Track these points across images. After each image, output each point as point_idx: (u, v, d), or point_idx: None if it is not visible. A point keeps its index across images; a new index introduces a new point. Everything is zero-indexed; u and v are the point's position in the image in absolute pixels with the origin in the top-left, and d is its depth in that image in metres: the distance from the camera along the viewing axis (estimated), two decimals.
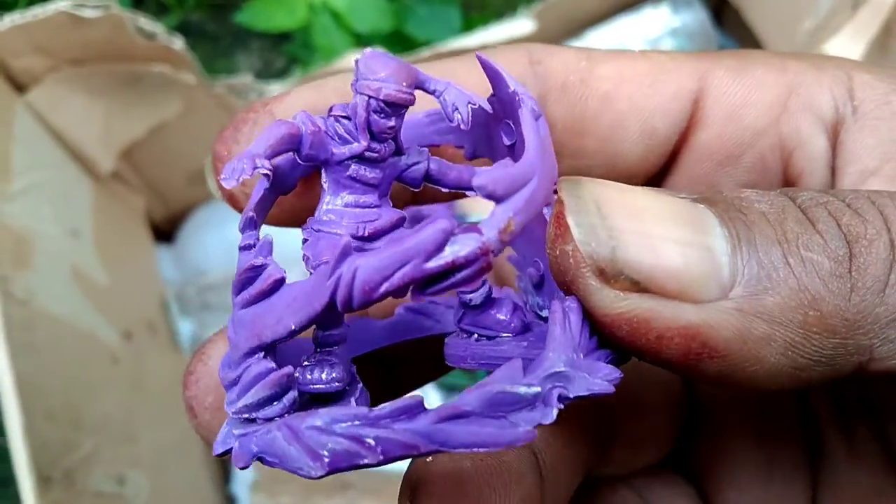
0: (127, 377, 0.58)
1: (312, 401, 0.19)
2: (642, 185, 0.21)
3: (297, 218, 0.22)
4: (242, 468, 0.18)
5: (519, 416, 0.16)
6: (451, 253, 0.16)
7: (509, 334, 0.20)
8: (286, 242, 0.83)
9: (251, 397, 0.18)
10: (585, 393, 0.17)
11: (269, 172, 0.18)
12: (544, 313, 0.21)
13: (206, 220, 0.72)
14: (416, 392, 0.17)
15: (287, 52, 0.89)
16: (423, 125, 0.22)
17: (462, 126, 0.19)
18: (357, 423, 0.16)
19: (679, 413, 0.26)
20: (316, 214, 0.20)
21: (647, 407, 0.26)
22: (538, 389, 0.16)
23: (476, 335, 0.21)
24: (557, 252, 0.17)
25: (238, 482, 0.64)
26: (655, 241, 0.17)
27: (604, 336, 0.18)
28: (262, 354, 0.18)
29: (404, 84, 0.19)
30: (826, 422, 0.25)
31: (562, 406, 0.17)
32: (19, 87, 0.59)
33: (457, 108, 0.19)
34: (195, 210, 0.74)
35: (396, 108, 0.19)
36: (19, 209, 0.53)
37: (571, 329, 0.18)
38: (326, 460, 0.16)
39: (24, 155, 0.56)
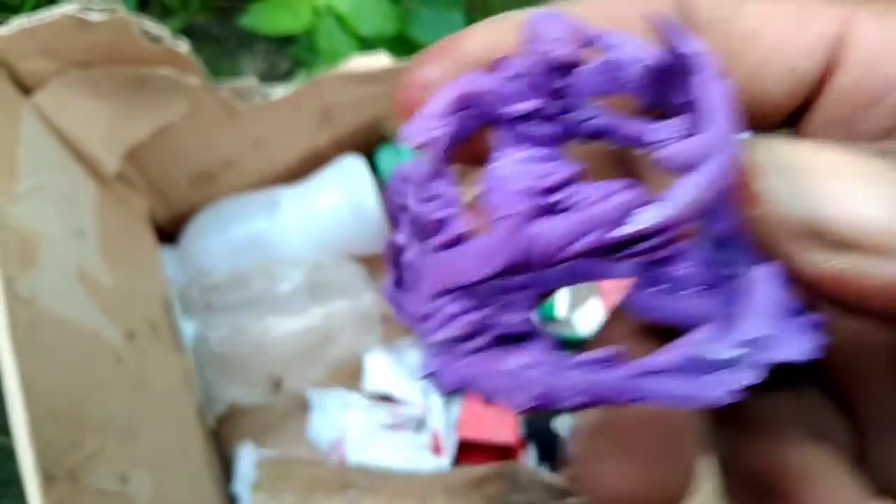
0: (130, 377, 0.58)
1: (500, 342, 0.19)
2: (782, 122, 0.21)
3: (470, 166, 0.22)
4: (449, 393, 0.18)
5: (714, 377, 0.16)
6: (632, 225, 0.16)
7: (697, 288, 0.20)
8: (284, 240, 0.83)
9: (448, 332, 0.18)
10: (785, 359, 0.17)
11: (449, 132, 0.18)
12: (729, 271, 0.21)
13: (209, 222, 0.73)
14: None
15: (291, 55, 0.89)
16: (596, 75, 0.22)
17: (636, 83, 0.19)
18: (560, 365, 0.17)
19: None
20: (489, 171, 0.20)
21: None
22: (736, 353, 0.16)
23: (661, 286, 0.21)
24: (753, 214, 0.17)
25: (240, 482, 0.65)
26: (855, 200, 0.17)
27: (808, 299, 0.18)
28: (452, 297, 0.18)
29: (576, 44, 0.19)
30: None
31: (760, 371, 0.17)
32: (26, 89, 0.59)
33: (631, 64, 0.19)
34: (199, 211, 0.74)
35: (568, 67, 0.19)
36: (25, 210, 0.54)
37: (770, 293, 0.17)
38: (531, 394, 0.17)
39: (29, 157, 0.56)
